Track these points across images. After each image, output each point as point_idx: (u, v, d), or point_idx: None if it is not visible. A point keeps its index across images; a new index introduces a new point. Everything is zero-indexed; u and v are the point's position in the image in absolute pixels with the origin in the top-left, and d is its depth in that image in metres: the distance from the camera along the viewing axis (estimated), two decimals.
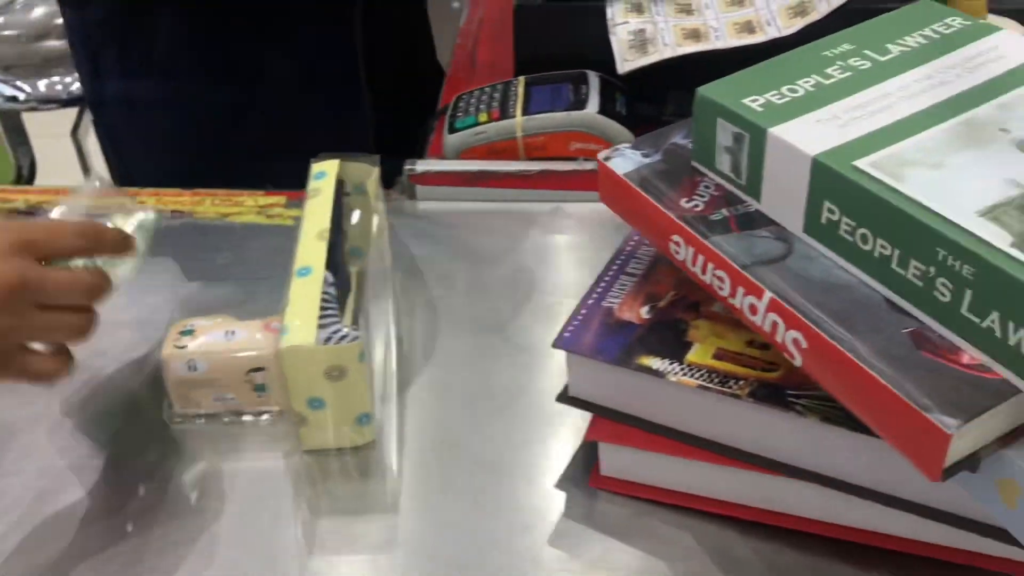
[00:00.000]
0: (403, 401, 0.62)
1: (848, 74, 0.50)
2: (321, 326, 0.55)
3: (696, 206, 0.51)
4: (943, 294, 0.40)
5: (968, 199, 0.41)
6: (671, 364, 0.51)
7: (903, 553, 0.51)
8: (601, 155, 0.55)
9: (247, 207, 0.78)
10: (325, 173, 0.65)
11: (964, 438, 0.39)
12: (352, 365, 0.54)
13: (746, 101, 0.49)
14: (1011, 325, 0.38)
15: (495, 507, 0.56)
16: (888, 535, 0.51)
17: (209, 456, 0.59)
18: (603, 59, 0.79)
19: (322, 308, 0.56)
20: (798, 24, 0.74)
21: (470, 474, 0.58)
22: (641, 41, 0.77)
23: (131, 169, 0.96)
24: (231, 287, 0.68)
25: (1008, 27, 0.74)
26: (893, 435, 0.41)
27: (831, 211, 0.45)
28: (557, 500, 0.56)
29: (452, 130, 0.81)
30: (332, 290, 0.57)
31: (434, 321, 0.68)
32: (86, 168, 1.39)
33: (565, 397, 0.56)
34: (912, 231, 0.41)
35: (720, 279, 0.48)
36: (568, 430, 0.59)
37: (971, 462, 0.40)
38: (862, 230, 0.43)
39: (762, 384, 0.49)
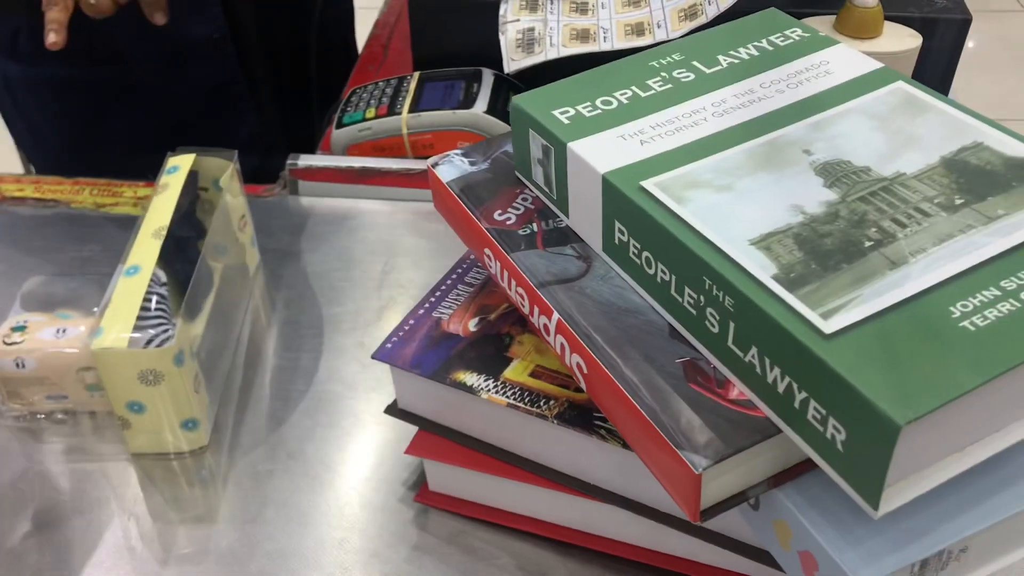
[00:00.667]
0: (245, 405, 0.61)
1: (668, 87, 0.48)
2: (140, 327, 0.53)
3: (508, 219, 0.49)
4: (712, 324, 0.38)
5: (745, 226, 0.39)
6: (486, 380, 0.49)
7: None
8: (430, 161, 0.53)
9: (125, 198, 0.77)
10: (178, 167, 0.64)
11: (722, 477, 0.37)
12: (167, 369, 0.53)
13: (556, 113, 0.47)
14: (767, 361, 0.36)
15: (314, 520, 0.54)
16: (704, 564, 0.49)
17: (34, 455, 0.58)
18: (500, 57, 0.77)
19: (145, 309, 0.54)
20: (687, 27, 0.72)
21: (296, 485, 0.56)
22: (528, 40, 0.75)
23: (33, 153, 0.94)
24: (86, 281, 0.67)
25: (901, 37, 0.72)
26: (658, 469, 0.39)
27: (621, 231, 0.43)
28: (379, 515, 0.54)
29: (339, 125, 0.79)
30: (163, 290, 0.56)
31: (294, 321, 0.67)
32: None
33: (394, 409, 0.55)
34: (685, 257, 0.39)
35: (521, 296, 0.46)
36: (407, 443, 0.58)
37: (738, 501, 0.38)
38: (646, 252, 0.41)
39: (571, 405, 0.48)
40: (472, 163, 0.53)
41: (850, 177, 0.41)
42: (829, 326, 0.34)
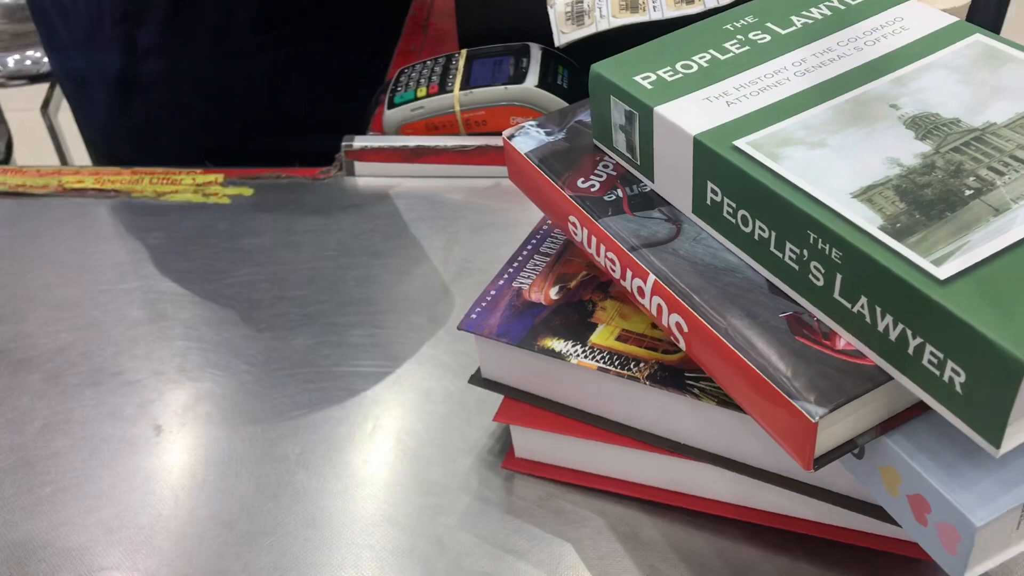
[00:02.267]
0: (326, 380, 0.62)
1: (746, 49, 0.48)
2: None
3: (592, 186, 0.50)
4: (817, 278, 0.39)
5: (844, 180, 0.40)
6: (574, 346, 0.50)
7: (810, 536, 0.50)
8: (505, 133, 0.54)
9: (184, 185, 0.78)
10: None
11: (834, 426, 0.38)
12: None
13: (637, 78, 0.47)
14: (878, 310, 0.37)
15: (406, 489, 0.55)
16: (795, 518, 0.50)
17: None
18: (548, 31, 0.78)
19: None
20: None
21: (384, 457, 0.57)
22: (578, 13, 0.75)
23: (100, 146, 0.96)
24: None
25: None
26: (767, 422, 0.40)
27: (714, 192, 0.44)
28: (469, 481, 0.56)
29: (391, 105, 0.80)
30: None
31: (364, 300, 0.68)
32: (59, 145, 1.39)
33: (478, 379, 0.56)
34: (786, 213, 0.40)
35: (612, 261, 0.47)
36: (491, 413, 0.59)
37: (849, 448, 0.39)
38: (742, 211, 0.42)
39: (662, 367, 0.49)
40: (548, 133, 0.54)
41: (941, 129, 0.41)
42: (943, 272, 0.35)
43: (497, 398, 0.59)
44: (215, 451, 0.58)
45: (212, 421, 0.60)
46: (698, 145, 0.43)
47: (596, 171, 0.51)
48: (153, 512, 0.54)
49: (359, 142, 0.78)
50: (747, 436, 0.48)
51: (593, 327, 0.51)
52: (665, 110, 0.45)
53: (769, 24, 0.50)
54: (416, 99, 0.79)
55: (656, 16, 0.74)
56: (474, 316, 0.54)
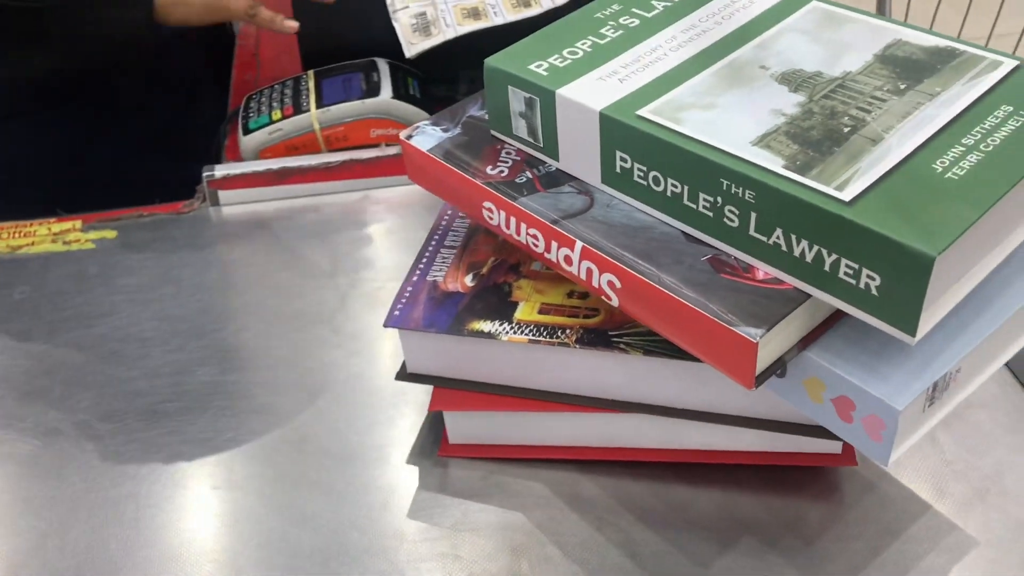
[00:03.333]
0: (240, 405, 0.61)
1: (620, 32, 0.53)
2: None
3: (501, 172, 0.53)
4: (731, 220, 0.44)
5: (741, 132, 0.45)
6: (500, 325, 0.53)
7: (735, 466, 0.55)
8: (402, 134, 0.57)
9: (40, 236, 0.74)
10: None
11: (768, 345, 0.43)
12: None
13: (532, 67, 0.51)
14: (793, 237, 0.42)
15: (350, 493, 0.56)
16: (715, 451, 0.56)
17: None
18: (390, 46, 0.80)
19: None
20: None
21: (321, 465, 0.58)
22: (424, 24, 0.79)
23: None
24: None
25: None
26: (707, 353, 0.45)
27: (623, 160, 0.48)
28: (410, 475, 0.57)
29: (247, 131, 0.80)
30: None
31: (261, 323, 0.68)
32: None
33: (404, 374, 0.58)
34: (697, 167, 0.44)
35: (534, 237, 0.51)
36: (410, 407, 0.61)
37: (778, 366, 0.45)
38: (653, 173, 0.47)
39: (586, 330, 0.52)
40: (445, 130, 0.57)
41: (808, 82, 0.48)
42: (847, 194, 0.41)
43: (414, 395, 0.61)
44: (157, 482, 0.56)
45: (140, 460, 0.58)
46: (604, 119, 0.47)
47: (501, 158, 0.54)
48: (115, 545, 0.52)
49: (220, 171, 0.78)
50: (672, 380, 0.52)
51: (514, 305, 0.55)
52: (567, 91, 0.49)
53: (634, 10, 0.55)
54: (272, 122, 0.79)
55: (498, 21, 0.78)
56: (397, 312, 0.55)
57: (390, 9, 0.80)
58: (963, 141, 0.43)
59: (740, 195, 0.43)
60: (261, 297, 0.70)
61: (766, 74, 0.49)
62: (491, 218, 0.53)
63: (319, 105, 0.79)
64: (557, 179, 0.52)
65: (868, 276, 0.40)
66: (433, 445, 0.59)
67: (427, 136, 0.56)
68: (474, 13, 0.79)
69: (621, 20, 0.54)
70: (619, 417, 0.55)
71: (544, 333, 0.53)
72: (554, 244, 0.50)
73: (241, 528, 0.54)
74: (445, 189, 0.56)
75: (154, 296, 0.70)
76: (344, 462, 0.58)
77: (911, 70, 0.48)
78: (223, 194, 0.78)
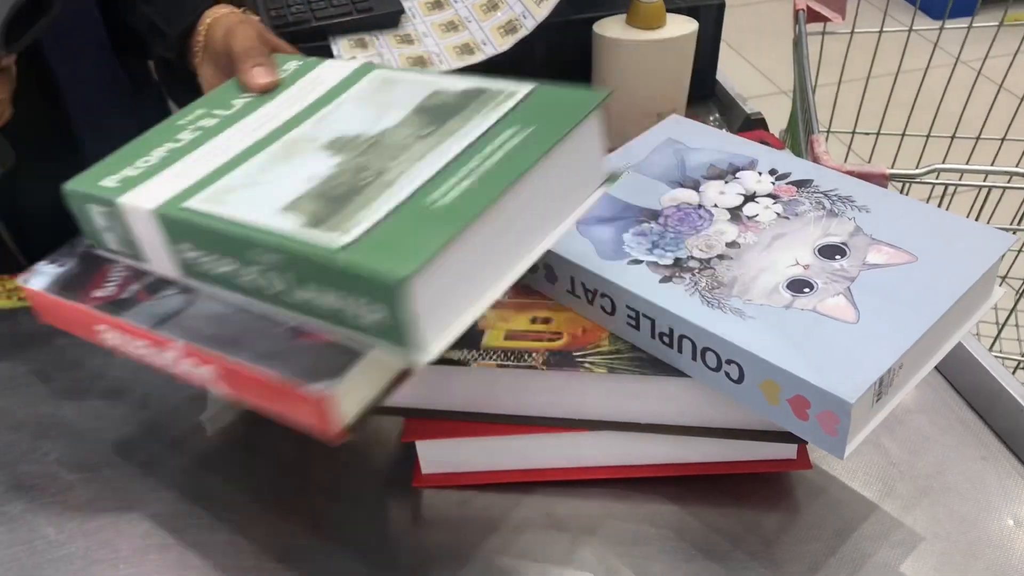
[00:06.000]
0: (214, 447, 0.62)
1: (198, 133, 0.56)
2: None
3: (108, 292, 0.54)
4: (274, 285, 0.46)
5: (274, 203, 0.47)
6: (469, 352, 0.55)
7: (693, 477, 0.58)
8: (20, 279, 0.57)
9: None
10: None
11: (349, 394, 0.44)
12: None
13: (104, 182, 0.53)
14: (311, 288, 0.44)
15: (327, 526, 0.57)
16: (676, 464, 0.58)
17: None
18: None
19: None
20: (510, 41, 0.82)
21: (294, 506, 0.59)
22: None
23: None
24: None
25: (682, 24, 0.86)
26: (299, 418, 0.45)
27: (188, 251, 0.49)
28: (385, 507, 0.58)
29: None
30: None
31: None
32: None
33: (375, 407, 0.59)
34: (236, 243, 0.46)
35: (145, 347, 0.51)
36: (381, 443, 0.62)
37: (375, 406, 0.46)
38: (211, 257, 0.48)
39: (552, 352, 0.55)
40: (60, 265, 0.57)
41: (348, 144, 0.51)
42: (340, 241, 0.42)
43: (381, 430, 0.63)
44: (131, 522, 0.56)
45: (115, 507, 0.58)
46: (159, 216, 0.49)
47: (108, 279, 0.55)
48: None
49: None
50: (636, 396, 0.55)
51: (481, 333, 0.57)
52: (126, 199, 0.51)
53: (214, 111, 0.58)
54: None
55: (443, 67, 0.82)
56: None
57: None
58: (460, 172, 0.45)
59: (273, 261, 0.45)
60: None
61: (314, 145, 0.52)
62: (107, 339, 0.53)
63: None
64: (160, 286, 0.53)
65: (370, 310, 0.42)
66: (405, 477, 0.60)
67: (42, 275, 0.57)
68: (420, 62, 0.82)
69: (201, 122, 0.58)
70: (587, 437, 0.57)
71: (512, 358, 0.55)
72: (159, 349, 0.50)
73: (221, 566, 0.55)
74: (67, 322, 0.56)
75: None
76: (319, 495, 0.59)
77: (439, 115, 0.51)
78: None
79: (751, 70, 2.78)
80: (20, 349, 0.70)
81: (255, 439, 0.63)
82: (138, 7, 0.74)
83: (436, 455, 0.59)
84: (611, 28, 0.85)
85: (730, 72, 1.00)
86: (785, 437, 0.53)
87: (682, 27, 0.85)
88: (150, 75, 0.88)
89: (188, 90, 0.72)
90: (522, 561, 0.55)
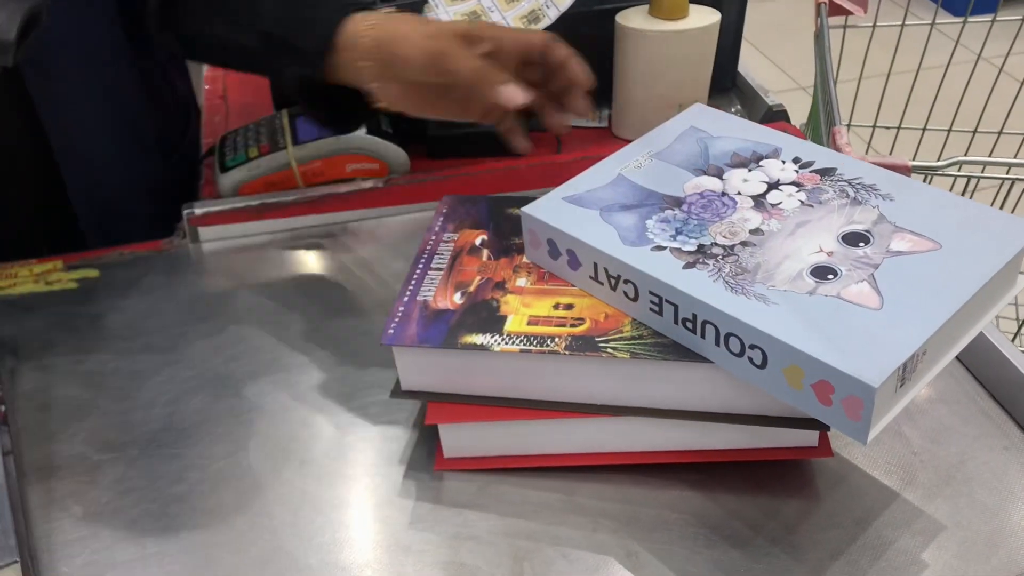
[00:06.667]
0: (234, 431, 0.63)
1: None
2: None
3: None
4: None
5: None
6: (492, 337, 0.56)
7: (713, 464, 0.58)
8: None
9: (22, 277, 0.75)
10: None
11: None
12: None
13: None
14: None
15: (350, 509, 0.58)
16: (696, 451, 0.58)
17: None
18: None
19: None
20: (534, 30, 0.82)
21: (319, 483, 0.59)
22: None
23: None
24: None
25: (704, 14, 0.86)
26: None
27: None
28: (408, 489, 0.59)
29: (224, 169, 0.81)
30: None
31: (248, 352, 0.69)
32: None
33: (398, 392, 0.60)
34: None
35: None
36: (402, 427, 0.63)
37: None
38: None
39: (574, 338, 0.55)
40: None
41: None
42: None
43: (403, 413, 0.63)
44: (156, 501, 0.57)
45: (142, 485, 0.59)
46: None
47: None
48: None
49: (201, 208, 0.79)
50: (658, 381, 0.56)
51: (504, 319, 0.57)
52: None
53: None
54: (249, 159, 0.81)
55: None
56: (391, 331, 0.58)
57: None
58: None
59: None
60: (247, 329, 0.71)
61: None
62: None
63: (295, 142, 0.81)
64: None
65: None
66: (427, 460, 0.60)
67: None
68: None
69: None
70: (608, 423, 0.58)
71: (534, 343, 0.55)
72: None
73: (242, 548, 0.55)
74: None
75: (140, 331, 0.71)
76: (342, 482, 0.60)
77: None
78: (203, 230, 0.80)
79: (770, 66, 2.77)
80: (50, 333, 0.71)
81: (279, 425, 0.64)
82: (241, 21, 0.69)
83: (458, 439, 0.60)
84: (634, 18, 0.85)
85: (749, 67, 1.00)
86: (808, 424, 0.53)
87: (705, 18, 0.85)
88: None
89: (334, 105, 0.70)
90: (542, 544, 0.55)
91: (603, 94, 0.91)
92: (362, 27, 0.65)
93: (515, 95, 0.62)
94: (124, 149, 0.84)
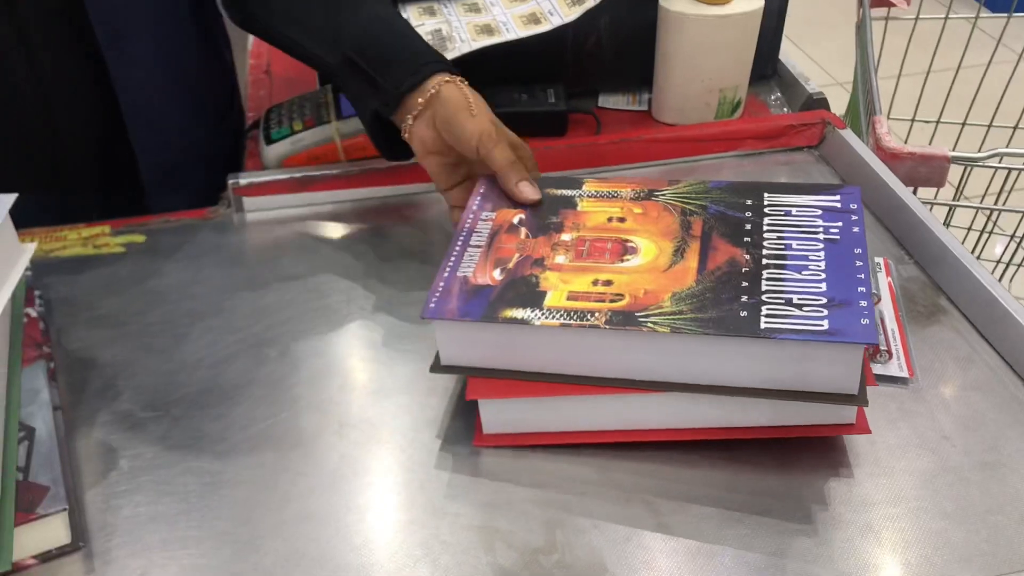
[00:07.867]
0: (277, 395, 0.64)
1: None
2: None
3: None
4: None
5: None
6: (532, 312, 0.57)
7: (745, 442, 0.59)
8: None
9: (71, 240, 0.77)
10: None
11: None
12: None
13: None
14: None
15: (389, 475, 0.59)
16: (732, 428, 0.59)
17: None
18: None
19: None
20: (577, 12, 0.83)
21: (358, 449, 0.61)
22: (440, 39, 0.83)
23: None
24: None
25: (750, 1, 0.86)
26: None
27: None
28: (443, 460, 0.60)
29: (269, 141, 0.83)
30: None
31: (290, 320, 0.70)
32: None
33: (438, 366, 0.60)
34: None
35: None
36: (440, 399, 0.64)
37: None
38: None
39: (614, 313, 0.56)
40: None
41: None
42: None
43: (441, 387, 0.64)
44: (203, 454, 0.59)
45: (186, 444, 0.60)
46: None
47: None
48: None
49: (245, 178, 0.81)
50: (699, 356, 0.56)
51: (543, 294, 0.58)
52: None
53: None
54: (294, 132, 0.82)
55: (510, 36, 0.83)
56: (432, 305, 0.59)
57: None
58: None
59: None
60: (289, 296, 0.73)
61: None
62: None
63: (339, 117, 0.82)
64: None
65: None
66: (463, 432, 0.61)
67: None
68: (487, 29, 0.83)
69: None
70: (647, 399, 0.58)
71: (575, 317, 0.56)
72: None
73: (282, 505, 0.57)
74: None
75: (184, 295, 0.72)
76: (380, 447, 0.61)
77: None
78: (248, 200, 0.81)
79: (808, 61, 2.75)
80: (97, 295, 0.73)
81: (319, 390, 0.65)
82: (321, 38, 0.73)
83: (497, 415, 0.60)
84: (678, 2, 0.85)
85: (789, 58, 1.00)
86: (846, 399, 0.54)
87: (749, 3, 0.86)
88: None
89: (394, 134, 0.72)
90: (574, 514, 0.56)
91: (644, 78, 0.92)
92: (435, 80, 0.69)
93: (532, 194, 0.67)
94: (186, 113, 0.86)
